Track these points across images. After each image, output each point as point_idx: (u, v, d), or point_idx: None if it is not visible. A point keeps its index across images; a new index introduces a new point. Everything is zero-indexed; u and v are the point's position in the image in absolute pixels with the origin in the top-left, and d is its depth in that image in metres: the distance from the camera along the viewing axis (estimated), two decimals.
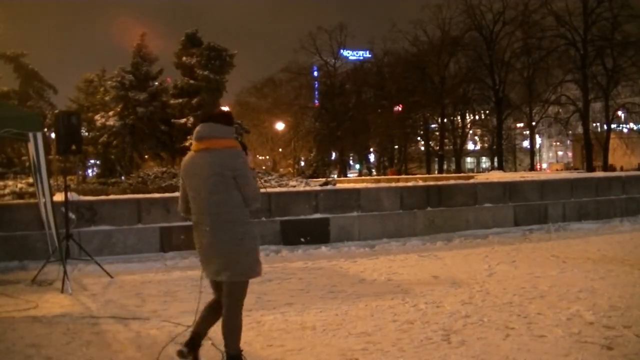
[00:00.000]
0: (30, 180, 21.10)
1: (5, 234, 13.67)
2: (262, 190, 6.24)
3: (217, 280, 6.12)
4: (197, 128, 6.05)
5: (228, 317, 6.07)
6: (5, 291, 10.89)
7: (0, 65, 65.65)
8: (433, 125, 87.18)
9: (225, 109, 55.36)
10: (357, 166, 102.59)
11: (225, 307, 6.07)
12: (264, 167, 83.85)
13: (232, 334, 6.08)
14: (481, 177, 35.13)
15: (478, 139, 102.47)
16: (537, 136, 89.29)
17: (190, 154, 6.07)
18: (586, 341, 7.03)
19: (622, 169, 66.11)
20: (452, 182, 19.84)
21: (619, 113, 71.08)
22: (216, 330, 7.85)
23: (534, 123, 74.18)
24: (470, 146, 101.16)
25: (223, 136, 5.94)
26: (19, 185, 28.23)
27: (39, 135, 11.30)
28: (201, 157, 5.93)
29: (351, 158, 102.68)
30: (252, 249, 6.02)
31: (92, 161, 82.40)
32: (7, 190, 24.68)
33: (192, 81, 51.85)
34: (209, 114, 6.33)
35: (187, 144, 48.86)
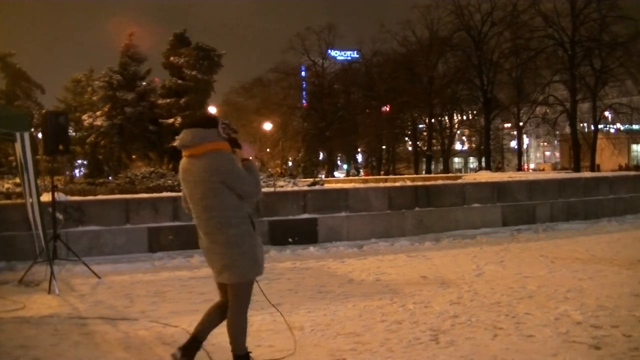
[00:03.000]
0: (18, 180, 21.01)
1: None
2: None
3: (220, 282, 6.13)
4: (180, 135, 6.05)
5: (233, 318, 6.07)
6: None
7: None
8: (421, 126, 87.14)
9: (213, 110, 55.15)
10: (345, 166, 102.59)
11: (230, 309, 6.07)
12: None
13: (238, 334, 6.09)
14: (469, 178, 35.17)
15: (466, 139, 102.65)
16: (524, 136, 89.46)
17: (183, 159, 6.07)
18: (574, 341, 7.05)
19: (598, 169, 66.28)
20: (440, 182, 19.88)
21: (607, 114, 71.32)
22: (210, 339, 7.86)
23: (521, 123, 74.25)
24: (458, 146, 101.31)
25: (205, 141, 5.86)
26: (6, 186, 28.15)
27: (27, 135, 11.27)
28: (190, 163, 5.94)
29: (339, 158, 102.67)
30: (249, 249, 5.93)
31: (80, 161, 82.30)
32: None
33: (180, 81, 51.77)
34: (190, 119, 6.30)
35: (175, 144, 48.84)
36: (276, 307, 7.15)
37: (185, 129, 6.03)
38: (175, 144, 6.40)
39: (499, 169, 76.82)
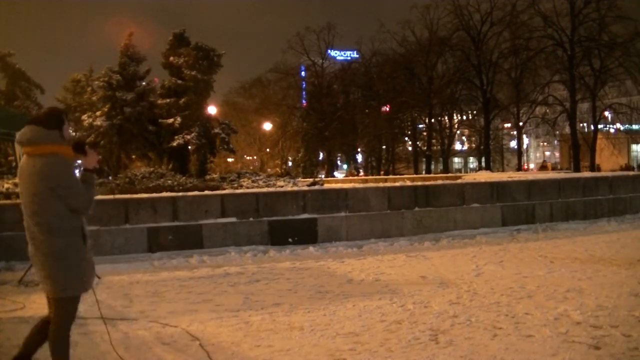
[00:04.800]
0: (17, 180, 21.02)
1: None
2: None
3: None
4: (21, 130, 5.69)
5: (53, 333, 5.64)
6: None
7: None
8: (421, 126, 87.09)
9: (213, 110, 54.92)
10: (345, 166, 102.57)
11: (52, 322, 5.67)
12: (251, 167, 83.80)
13: (57, 350, 5.63)
14: (469, 178, 35.16)
15: (465, 140, 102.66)
16: (524, 136, 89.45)
17: (23, 157, 5.68)
18: (574, 341, 7.05)
19: (599, 169, 66.23)
20: (439, 182, 19.85)
21: (606, 114, 71.22)
22: (203, 330, 7.85)
23: (521, 123, 74.18)
24: (457, 146, 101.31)
25: (43, 141, 5.49)
26: (6, 186, 28.11)
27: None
28: (26, 162, 5.56)
29: (339, 158, 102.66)
30: (73, 263, 5.50)
31: (79, 161, 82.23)
32: None
33: (179, 81, 51.70)
34: (34, 116, 5.86)
35: (174, 144, 48.85)
36: (105, 321, 6.97)
37: (27, 125, 5.68)
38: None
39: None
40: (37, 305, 9.72)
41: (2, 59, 66.33)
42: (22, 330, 8.15)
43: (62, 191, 5.39)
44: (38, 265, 5.54)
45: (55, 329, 5.61)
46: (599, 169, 64.80)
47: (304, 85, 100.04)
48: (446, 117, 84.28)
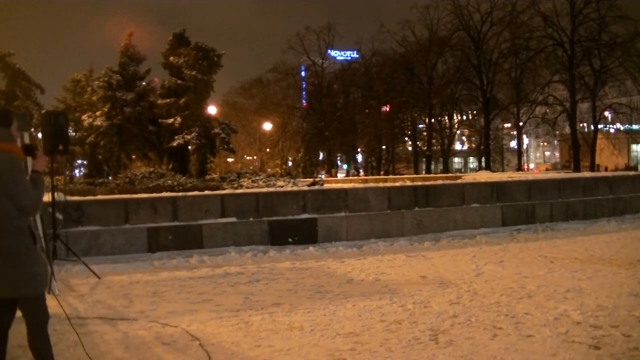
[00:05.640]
0: None
1: None
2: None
3: None
4: None
5: (34, 336, 5.59)
6: None
7: None
8: (421, 126, 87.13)
9: (213, 110, 54.94)
10: (345, 166, 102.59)
11: (26, 325, 5.60)
12: (251, 167, 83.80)
13: (38, 354, 5.59)
14: (469, 178, 35.16)
15: (466, 139, 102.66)
16: (524, 136, 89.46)
17: None
18: (574, 341, 7.05)
19: (606, 169, 66.26)
20: (439, 182, 19.85)
21: (606, 113, 71.28)
22: (203, 330, 7.85)
23: (521, 123, 74.20)
24: (457, 146, 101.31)
25: None
26: None
27: (26, 135, 11.27)
28: None
29: (339, 158, 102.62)
30: (25, 263, 5.38)
31: (80, 161, 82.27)
32: None
33: (179, 81, 51.68)
34: None
35: (174, 144, 48.85)
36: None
37: None
38: None
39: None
40: None
41: (2, 59, 66.32)
42: (23, 330, 8.12)
43: (10, 190, 5.27)
44: None
45: (30, 332, 5.58)
46: (599, 169, 64.84)
47: (304, 85, 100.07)
48: (446, 117, 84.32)
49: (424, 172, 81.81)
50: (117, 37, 67.89)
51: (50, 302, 9.92)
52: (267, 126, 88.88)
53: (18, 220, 5.36)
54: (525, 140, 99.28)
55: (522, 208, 19.48)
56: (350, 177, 72.40)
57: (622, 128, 77.56)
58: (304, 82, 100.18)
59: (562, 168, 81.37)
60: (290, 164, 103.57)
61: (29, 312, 5.55)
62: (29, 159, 5.88)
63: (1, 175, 5.27)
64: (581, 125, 72.85)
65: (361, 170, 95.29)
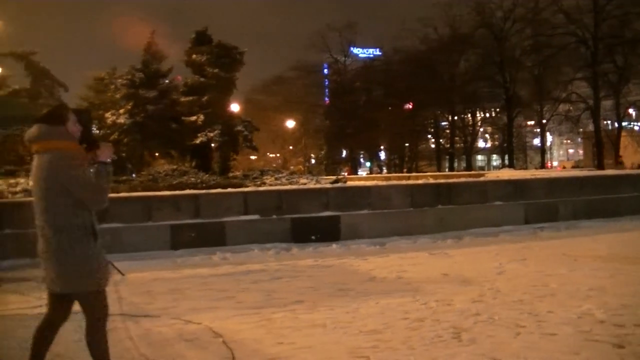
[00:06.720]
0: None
1: (16, 231, 13.73)
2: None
3: (53, 291, 5.69)
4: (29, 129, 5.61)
5: (86, 333, 5.66)
6: (16, 289, 10.94)
7: (11, 63, 65.69)
8: (443, 123, 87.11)
9: (235, 107, 55.04)
10: (368, 164, 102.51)
11: (85, 320, 5.65)
12: (274, 165, 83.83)
13: (94, 350, 5.65)
14: (491, 175, 35.05)
15: (488, 137, 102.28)
16: (547, 134, 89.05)
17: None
18: (597, 339, 7.02)
19: (632, 166, 65.86)
20: (462, 180, 19.85)
21: (630, 111, 70.99)
22: (225, 327, 7.88)
23: (544, 121, 73.98)
24: (480, 144, 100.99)
25: (47, 138, 5.47)
26: (30, 183, 28.35)
27: None
28: (36, 159, 5.55)
29: (362, 156, 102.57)
30: (81, 260, 5.43)
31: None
32: (18, 188, 24.62)
33: (202, 79, 51.62)
34: (41, 114, 5.78)
35: (197, 141, 48.88)
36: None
37: (35, 123, 5.64)
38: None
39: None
40: None
41: (26, 58, 66.61)
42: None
43: (68, 186, 5.33)
44: (47, 263, 5.55)
45: (87, 327, 5.63)
46: (619, 162, 64.38)
47: (326, 83, 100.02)
48: (469, 115, 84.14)
49: (446, 169, 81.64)
50: (138, 37, 68.09)
51: None
52: (290, 124, 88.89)
53: (76, 217, 5.42)
54: (549, 137, 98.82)
55: (545, 206, 19.38)
56: (373, 175, 72.33)
57: None
58: (326, 80, 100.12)
59: (584, 166, 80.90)
60: (313, 161, 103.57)
61: (86, 308, 5.61)
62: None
63: (55, 174, 5.35)
64: (605, 122, 72.33)
65: (384, 168, 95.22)
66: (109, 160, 5.68)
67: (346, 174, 73.11)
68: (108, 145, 5.78)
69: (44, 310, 8.97)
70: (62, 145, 5.45)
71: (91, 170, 5.58)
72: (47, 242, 5.47)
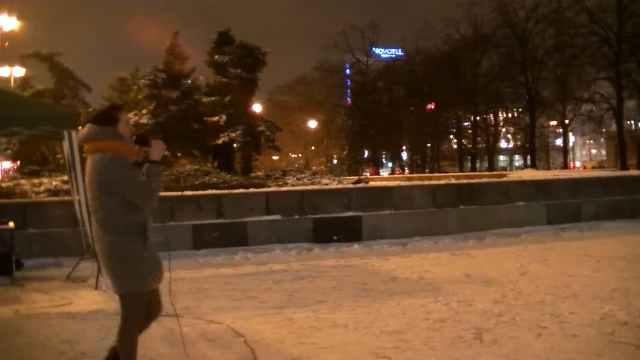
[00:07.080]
0: (65, 177, 21.23)
1: (40, 230, 13.84)
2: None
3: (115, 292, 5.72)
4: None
5: (120, 329, 5.69)
6: (40, 287, 11.03)
7: (35, 64, 66.00)
8: (465, 124, 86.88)
9: (258, 108, 55.10)
10: (390, 164, 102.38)
11: (120, 318, 5.70)
12: (296, 165, 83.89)
13: (124, 346, 5.66)
14: (514, 176, 34.93)
15: (511, 137, 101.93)
16: (570, 134, 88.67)
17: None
18: (620, 341, 6.99)
19: None
20: (484, 180, 19.80)
21: None
22: (247, 327, 7.90)
23: (567, 121, 73.69)
24: (503, 144, 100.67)
25: (97, 138, 5.56)
26: (54, 183, 28.38)
27: (74, 134, 11.42)
28: (88, 159, 5.63)
29: (384, 156, 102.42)
30: (130, 260, 5.50)
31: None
32: (42, 188, 24.77)
33: (224, 79, 51.71)
34: (93, 115, 5.83)
35: (219, 142, 48.95)
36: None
37: (87, 124, 5.74)
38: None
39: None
40: (85, 301, 9.87)
41: (50, 59, 66.95)
42: (70, 325, 8.28)
43: (116, 186, 5.40)
44: (101, 262, 5.69)
45: (122, 325, 5.66)
46: None
47: (349, 83, 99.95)
48: (491, 115, 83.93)
49: (469, 169, 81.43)
50: (162, 36, 68.21)
51: (98, 298, 10.11)
52: (312, 124, 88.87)
53: (125, 217, 5.49)
54: (571, 138, 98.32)
55: (568, 206, 19.28)
56: (395, 175, 72.28)
57: None
58: (348, 80, 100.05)
59: (607, 167, 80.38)
60: (335, 161, 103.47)
61: (121, 308, 5.67)
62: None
63: (103, 174, 5.43)
64: (628, 122, 71.93)
65: (406, 168, 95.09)
66: (157, 158, 5.68)
67: (369, 174, 73.00)
68: (159, 143, 5.79)
69: (67, 309, 9.08)
70: (112, 145, 5.52)
71: (142, 169, 5.60)
72: (98, 241, 5.60)
